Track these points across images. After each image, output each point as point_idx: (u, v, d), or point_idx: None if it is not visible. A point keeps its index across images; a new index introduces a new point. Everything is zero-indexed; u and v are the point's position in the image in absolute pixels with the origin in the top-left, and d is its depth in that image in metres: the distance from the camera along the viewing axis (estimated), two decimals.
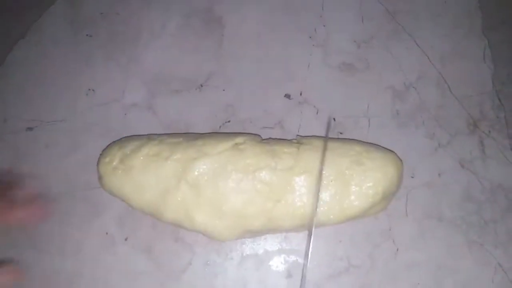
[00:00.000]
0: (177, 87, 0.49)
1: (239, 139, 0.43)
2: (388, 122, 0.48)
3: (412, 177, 0.47)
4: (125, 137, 0.46)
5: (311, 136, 0.46)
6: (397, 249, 0.45)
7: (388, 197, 0.43)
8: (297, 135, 0.47)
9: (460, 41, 0.51)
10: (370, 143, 0.46)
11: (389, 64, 0.50)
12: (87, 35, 0.51)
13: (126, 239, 0.45)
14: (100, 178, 0.43)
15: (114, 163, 0.43)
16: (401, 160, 0.44)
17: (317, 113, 0.48)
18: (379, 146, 0.45)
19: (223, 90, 0.49)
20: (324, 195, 0.41)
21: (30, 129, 0.48)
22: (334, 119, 0.48)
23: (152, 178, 0.41)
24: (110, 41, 0.51)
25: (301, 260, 0.44)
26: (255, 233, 0.43)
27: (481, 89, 0.49)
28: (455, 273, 0.44)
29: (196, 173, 0.41)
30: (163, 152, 0.42)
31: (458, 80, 0.49)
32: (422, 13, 0.52)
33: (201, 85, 0.49)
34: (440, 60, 0.50)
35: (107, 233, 0.45)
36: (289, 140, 0.45)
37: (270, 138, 0.46)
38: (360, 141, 0.46)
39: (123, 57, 0.50)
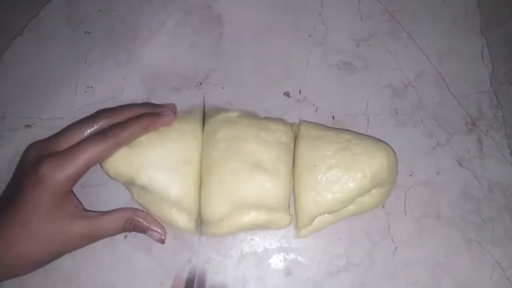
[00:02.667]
0: (176, 84, 0.49)
1: (233, 113, 0.45)
2: (387, 121, 0.48)
3: (411, 176, 0.47)
4: None
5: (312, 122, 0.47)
6: (396, 247, 0.45)
7: (381, 186, 0.43)
8: (300, 119, 0.48)
9: (458, 40, 0.51)
10: (364, 134, 0.46)
11: (387, 63, 0.50)
12: (85, 32, 0.51)
13: (125, 237, 0.45)
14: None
15: None
16: (393, 150, 0.43)
17: (316, 111, 0.49)
18: (373, 137, 0.45)
19: (222, 87, 0.49)
20: (310, 181, 0.41)
21: (28, 126, 0.48)
22: (333, 117, 0.48)
23: (158, 152, 0.41)
24: (109, 38, 0.51)
25: (300, 258, 0.45)
26: (242, 208, 0.41)
27: (479, 88, 0.49)
28: (453, 271, 0.45)
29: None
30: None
31: (457, 78, 0.50)
32: (420, 12, 0.52)
33: (200, 83, 0.49)
34: (439, 59, 0.50)
35: None
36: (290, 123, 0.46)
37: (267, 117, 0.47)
38: (353, 131, 0.46)
39: (121, 54, 0.50)
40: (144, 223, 0.42)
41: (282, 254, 0.45)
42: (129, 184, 0.43)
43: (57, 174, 0.37)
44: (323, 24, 0.51)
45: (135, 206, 0.44)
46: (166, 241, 0.44)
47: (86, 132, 0.40)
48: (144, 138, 0.42)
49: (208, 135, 0.43)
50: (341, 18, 0.52)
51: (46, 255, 0.39)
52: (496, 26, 0.51)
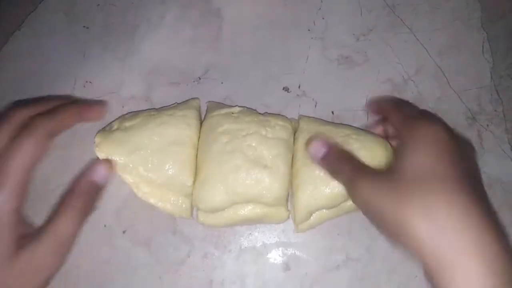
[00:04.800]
0: (175, 79, 0.49)
1: (234, 109, 0.44)
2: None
3: None
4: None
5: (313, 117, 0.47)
6: None
7: None
8: (300, 114, 0.47)
9: (459, 34, 0.51)
10: (363, 129, 0.45)
11: (387, 57, 0.50)
12: (83, 26, 0.50)
13: (124, 232, 0.45)
14: (97, 146, 0.42)
15: (113, 128, 0.43)
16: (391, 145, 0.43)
17: (315, 106, 0.48)
18: (372, 132, 0.45)
19: (221, 82, 0.49)
20: (308, 176, 0.41)
21: None
22: (332, 112, 0.48)
23: (149, 134, 0.41)
24: (107, 33, 0.50)
25: (299, 253, 0.45)
26: (240, 201, 0.42)
27: (480, 83, 0.49)
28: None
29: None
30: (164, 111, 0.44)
31: (457, 73, 0.49)
32: (421, 6, 0.52)
33: (199, 78, 0.49)
34: (439, 53, 0.50)
35: (105, 226, 0.45)
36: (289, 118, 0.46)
37: (266, 112, 0.47)
38: (353, 126, 0.45)
39: (120, 49, 0.50)
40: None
41: (281, 249, 0.45)
42: (123, 170, 0.43)
43: None
44: (323, 18, 0.51)
45: (134, 200, 0.44)
46: (165, 236, 0.44)
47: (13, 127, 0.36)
48: (136, 122, 0.42)
49: (211, 127, 0.43)
50: (341, 12, 0.51)
51: None
52: (497, 20, 0.51)
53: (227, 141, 0.41)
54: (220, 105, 0.46)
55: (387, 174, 0.33)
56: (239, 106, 0.45)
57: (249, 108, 0.46)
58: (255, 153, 0.41)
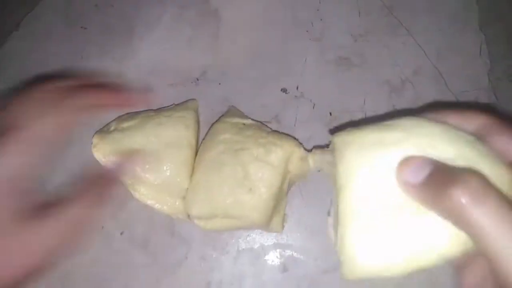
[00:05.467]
0: (172, 80, 0.49)
1: (246, 121, 0.44)
2: (384, 117, 0.48)
3: None
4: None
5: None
6: None
7: None
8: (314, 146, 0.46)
9: (456, 36, 0.51)
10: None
11: (385, 59, 0.50)
12: (81, 27, 0.50)
13: (121, 233, 0.45)
14: (94, 147, 0.42)
15: (110, 129, 0.43)
16: None
17: (313, 107, 0.48)
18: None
19: (219, 83, 0.49)
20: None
21: None
22: (330, 113, 0.48)
23: (146, 135, 0.41)
24: (105, 34, 0.50)
25: (297, 255, 0.45)
26: (223, 215, 0.41)
27: (477, 85, 0.49)
28: (450, 265, 0.44)
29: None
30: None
31: (454, 75, 0.49)
32: (419, 8, 0.52)
33: (197, 79, 0.49)
34: (437, 55, 0.50)
35: (102, 227, 0.45)
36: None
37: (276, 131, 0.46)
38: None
39: (118, 50, 0.50)
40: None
41: (278, 250, 0.45)
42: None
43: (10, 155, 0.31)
44: (321, 19, 0.51)
45: (132, 202, 0.44)
46: (162, 238, 0.44)
47: (40, 100, 0.35)
48: (133, 123, 0.42)
49: (216, 132, 0.43)
50: (339, 13, 0.51)
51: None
52: (494, 22, 0.51)
53: (222, 151, 0.41)
54: (238, 113, 0.46)
55: None
56: (252, 119, 0.45)
57: (263, 124, 0.46)
58: (244, 170, 0.40)
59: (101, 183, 0.37)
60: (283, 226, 0.43)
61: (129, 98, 0.41)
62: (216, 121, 0.45)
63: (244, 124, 0.44)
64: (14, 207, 0.32)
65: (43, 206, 0.33)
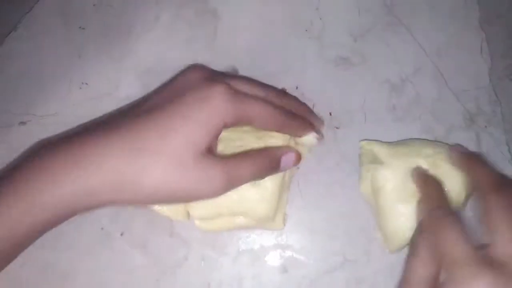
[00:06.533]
0: None
1: None
2: (384, 116, 0.48)
3: None
4: None
5: None
6: None
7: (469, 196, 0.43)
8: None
9: (457, 35, 0.50)
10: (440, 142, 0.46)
11: (385, 58, 0.49)
12: (79, 27, 0.50)
13: (121, 234, 0.45)
14: None
15: None
16: None
17: (313, 107, 0.48)
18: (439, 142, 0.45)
19: None
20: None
21: (23, 123, 0.47)
22: (330, 113, 0.48)
23: None
24: (103, 34, 0.50)
25: (297, 256, 0.44)
26: (227, 213, 0.41)
27: (478, 83, 0.49)
28: None
29: None
30: None
31: (455, 74, 0.49)
32: (419, 6, 0.51)
33: None
34: (437, 54, 0.50)
35: (102, 228, 0.45)
36: None
37: None
38: (425, 140, 0.46)
39: (116, 50, 0.50)
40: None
41: (278, 251, 0.45)
42: None
43: (228, 105, 0.33)
44: (320, 18, 0.50)
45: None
46: (162, 239, 0.44)
47: (263, 94, 0.38)
48: None
49: None
50: (338, 12, 0.51)
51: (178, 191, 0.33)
52: (495, 20, 0.50)
53: (221, 149, 0.41)
54: None
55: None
56: None
57: None
58: None
59: (265, 157, 0.38)
60: (284, 223, 0.43)
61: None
62: None
63: None
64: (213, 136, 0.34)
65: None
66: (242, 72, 0.49)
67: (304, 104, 0.45)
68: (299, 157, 0.40)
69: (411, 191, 0.40)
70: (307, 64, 0.49)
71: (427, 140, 0.46)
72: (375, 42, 0.50)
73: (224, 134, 0.41)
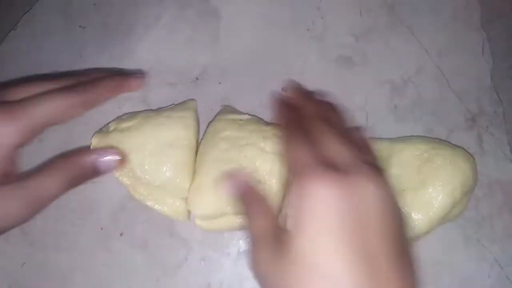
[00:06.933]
0: (172, 80, 0.49)
1: (243, 116, 0.44)
2: (386, 117, 0.48)
3: None
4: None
5: None
6: None
7: (468, 194, 0.43)
8: None
9: (458, 35, 0.50)
10: (433, 138, 0.46)
11: (387, 58, 0.49)
12: (80, 26, 0.50)
13: (121, 234, 0.45)
14: (93, 147, 0.42)
15: (110, 129, 0.43)
16: (472, 156, 0.44)
17: None
18: (445, 141, 0.45)
19: (219, 83, 0.49)
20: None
21: None
22: None
23: (146, 135, 0.41)
24: (104, 33, 0.50)
25: None
26: (231, 212, 0.41)
27: (480, 84, 0.49)
28: (451, 269, 0.44)
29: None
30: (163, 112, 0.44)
31: (457, 74, 0.49)
32: (420, 6, 0.51)
33: (197, 78, 0.49)
34: (439, 54, 0.50)
35: (102, 229, 0.45)
36: None
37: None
38: (420, 136, 0.46)
39: (116, 49, 0.49)
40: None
41: None
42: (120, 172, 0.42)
43: (6, 123, 0.31)
44: (322, 18, 0.50)
45: (131, 203, 0.44)
46: (162, 239, 0.43)
47: (47, 87, 0.36)
48: (133, 123, 0.42)
49: (215, 130, 0.43)
50: (340, 12, 0.51)
51: None
52: (496, 20, 0.50)
53: (226, 148, 0.40)
54: (233, 110, 0.46)
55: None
56: (249, 115, 0.44)
57: (260, 118, 0.46)
58: (251, 166, 0.40)
59: (80, 169, 0.37)
60: (286, 222, 0.43)
61: (126, 82, 0.42)
62: (212, 120, 0.45)
63: (241, 120, 0.43)
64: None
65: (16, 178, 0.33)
66: (243, 72, 0.49)
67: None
68: (121, 155, 0.40)
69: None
70: (308, 64, 0.49)
71: (427, 137, 0.46)
72: (376, 42, 0.50)
73: (229, 133, 0.41)
